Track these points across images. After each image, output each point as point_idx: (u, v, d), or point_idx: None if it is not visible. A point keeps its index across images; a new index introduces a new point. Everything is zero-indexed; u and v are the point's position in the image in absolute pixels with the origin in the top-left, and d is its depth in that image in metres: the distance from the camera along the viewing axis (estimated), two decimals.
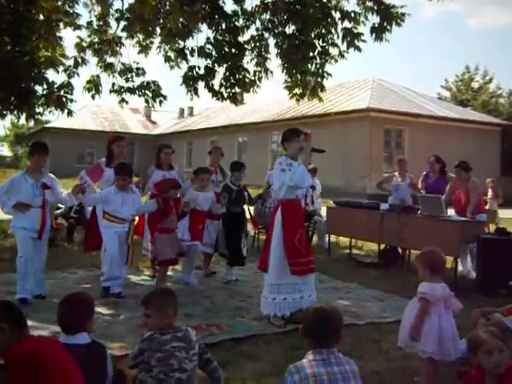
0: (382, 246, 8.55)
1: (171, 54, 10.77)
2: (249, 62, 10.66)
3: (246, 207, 7.39)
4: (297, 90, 10.89)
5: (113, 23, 10.54)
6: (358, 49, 9.58)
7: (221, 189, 7.05)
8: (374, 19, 9.55)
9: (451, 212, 7.83)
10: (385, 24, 9.44)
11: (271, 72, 10.75)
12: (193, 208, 6.61)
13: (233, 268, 7.11)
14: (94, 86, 10.41)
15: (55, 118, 24.65)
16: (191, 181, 7.01)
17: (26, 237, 5.60)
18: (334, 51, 10.18)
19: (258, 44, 10.56)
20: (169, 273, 6.78)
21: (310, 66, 10.27)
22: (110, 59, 10.64)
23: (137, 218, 6.75)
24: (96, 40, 10.46)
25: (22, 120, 11.66)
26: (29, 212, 5.52)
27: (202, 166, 7.36)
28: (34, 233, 5.59)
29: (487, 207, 9.77)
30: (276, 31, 10.28)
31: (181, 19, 10.26)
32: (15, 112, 10.79)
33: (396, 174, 9.08)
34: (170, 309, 3.07)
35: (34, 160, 5.67)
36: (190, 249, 6.71)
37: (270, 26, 10.30)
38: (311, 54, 10.12)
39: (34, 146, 5.92)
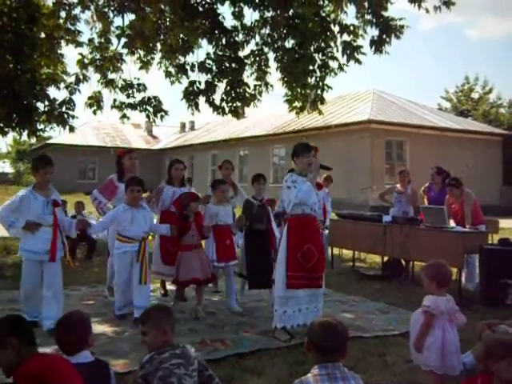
0: (386, 258, 8.53)
1: (172, 70, 10.84)
2: (249, 77, 10.72)
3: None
4: (297, 103, 10.94)
5: (114, 40, 10.62)
6: (359, 61, 9.62)
7: (242, 205, 6.61)
8: (373, 32, 9.60)
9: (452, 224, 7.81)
10: (384, 37, 9.49)
11: (271, 86, 10.80)
12: (215, 224, 6.18)
13: (242, 292, 6.63)
14: (95, 102, 10.46)
15: (57, 134, 24.71)
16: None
17: (32, 262, 5.20)
18: (333, 64, 10.24)
19: (257, 58, 10.62)
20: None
21: (309, 79, 10.32)
22: (111, 75, 10.70)
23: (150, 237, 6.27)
24: (97, 57, 10.53)
25: (24, 137, 11.70)
26: (39, 232, 5.10)
27: (218, 178, 7.00)
28: (44, 255, 5.16)
29: None
30: (276, 46, 10.33)
31: (181, 35, 10.33)
32: (17, 129, 10.85)
33: (398, 185, 9.07)
34: (167, 325, 3.04)
35: (41, 174, 5.19)
36: (225, 271, 6.31)
37: (269, 40, 10.36)
38: (311, 68, 10.16)
39: (38, 159, 5.37)
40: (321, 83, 10.38)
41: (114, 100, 10.74)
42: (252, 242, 6.37)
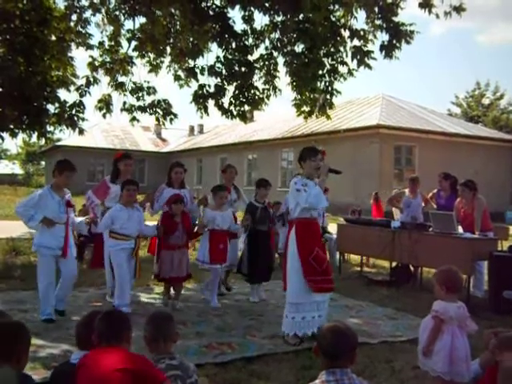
0: (394, 264, 8.49)
1: (181, 73, 10.87)
2: (257, 81, 10.73)
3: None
4: (305, 108, 10.94)
5: (124, 43, 10.70)
6: (369, 66, 9.61)
7: (245, 208, 6.94)
8: (384, 37, 9.58)
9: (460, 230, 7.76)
10: (394, 42, 9.47)
11: (279, 90, 10.81)
12: (211, 228, 6.51)
13: (257, 289, 6.90)
14: (105, 104, 10.51)
15: (66, 136, 24.86)
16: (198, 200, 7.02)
17: (48, 257, 5.53)
18: (343, 69, 10.23)
19: (267, 63, 10.64)
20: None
21: (319, 83, 10.32)
22: (121, 78, 10.76)
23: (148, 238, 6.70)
24: (108, 60, 10.59)
25: (34, 138, 11.81)
26: (54, 229, 5.49)
27: (219, 184, 7.18)
28: (58, 250, 5.53)
29: None
30: (285, 50, 10.34)
31: (191, 38, 10.38)
32: (27, 131, 10.93)
33: (406, 190, 9.03)
34: (150, 334, 3.02)
35: (63, 177, 5.62)
36: (211, 272, 6.58)
37: (279, 45, 10.38)
38: (320, 72, 10.16)
39: (63, 163, 5.75)
40: (330, 88, 10.38)
41: (124, 103, 10.80)
42: (255, 242, 6.82)
